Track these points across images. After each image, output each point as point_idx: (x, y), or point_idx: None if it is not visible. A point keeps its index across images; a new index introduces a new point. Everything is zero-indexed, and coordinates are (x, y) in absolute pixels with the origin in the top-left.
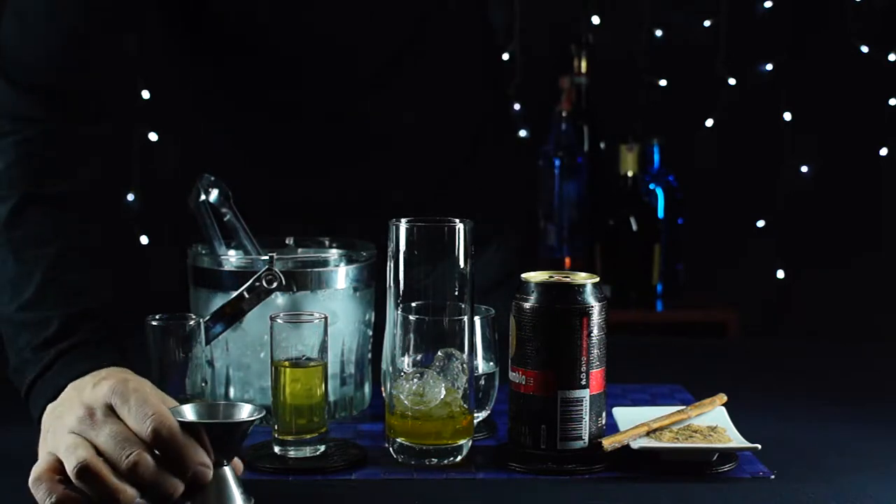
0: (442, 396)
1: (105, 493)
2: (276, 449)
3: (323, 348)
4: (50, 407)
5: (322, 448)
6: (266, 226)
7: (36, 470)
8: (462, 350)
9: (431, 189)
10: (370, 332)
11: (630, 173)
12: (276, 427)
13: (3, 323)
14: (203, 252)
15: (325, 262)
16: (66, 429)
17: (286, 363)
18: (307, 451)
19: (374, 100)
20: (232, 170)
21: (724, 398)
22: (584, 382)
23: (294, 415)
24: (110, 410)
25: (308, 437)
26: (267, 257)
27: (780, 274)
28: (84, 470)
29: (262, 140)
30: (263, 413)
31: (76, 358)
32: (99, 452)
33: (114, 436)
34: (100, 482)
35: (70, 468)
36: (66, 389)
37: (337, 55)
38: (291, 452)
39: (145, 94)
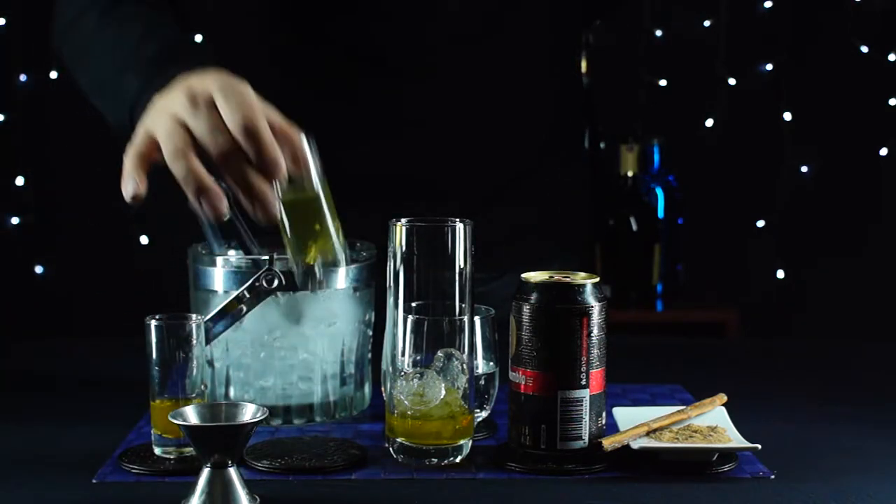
0: (442, 396)
1: (192, 180)
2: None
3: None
4: (157, 95)
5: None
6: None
7: (133, 149)
8: (462, 350)
9: (488, 191)
10: (370, 332)
11: (630, 173)
12: (296, 264)
13: (109, 78)
14: (202, 252)
15: None
16: (167, 111)
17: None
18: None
19: (449, 60)
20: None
21: (724, 398)
22: (584, 382)
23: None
24: (211, 102)
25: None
26: (267, 257)
27: (780, 274)
28: (177, 155)
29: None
30: (267, 413)
31: (183, 63)
32: (194, 140)
33: (210, 126)
34: (190, 170)
35: (166, 152)
36: (172, 82)
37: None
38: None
39: None
